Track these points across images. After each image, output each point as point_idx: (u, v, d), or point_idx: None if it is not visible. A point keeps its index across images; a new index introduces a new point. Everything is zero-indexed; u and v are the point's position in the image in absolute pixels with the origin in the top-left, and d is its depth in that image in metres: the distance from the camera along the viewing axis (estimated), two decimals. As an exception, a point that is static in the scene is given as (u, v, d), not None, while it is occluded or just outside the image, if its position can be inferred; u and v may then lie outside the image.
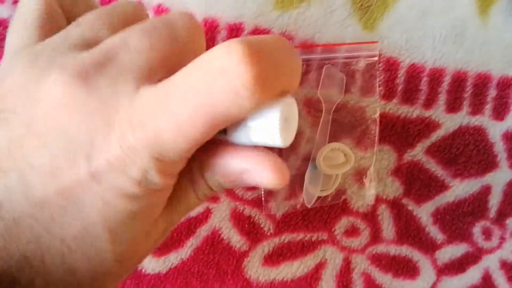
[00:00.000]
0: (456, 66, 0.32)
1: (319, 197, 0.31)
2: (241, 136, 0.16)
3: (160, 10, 0.30)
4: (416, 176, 0.33)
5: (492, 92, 0.33)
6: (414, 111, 0.32)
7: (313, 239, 0.33)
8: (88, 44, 0.16)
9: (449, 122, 0.33)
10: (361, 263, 0.33)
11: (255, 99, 0.14)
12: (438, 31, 0.32)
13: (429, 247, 0.34)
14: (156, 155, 0.14)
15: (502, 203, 0.34)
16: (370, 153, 0.31)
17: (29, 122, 0.14)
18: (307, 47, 0.30)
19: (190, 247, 0.32)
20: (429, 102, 0.32)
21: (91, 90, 0.14)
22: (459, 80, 0.32)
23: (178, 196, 0.18)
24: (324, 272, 0.33)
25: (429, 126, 0.33)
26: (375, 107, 0.31)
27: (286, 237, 0.33)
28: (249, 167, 0.16)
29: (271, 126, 0.15)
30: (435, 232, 0.34)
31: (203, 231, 0.32)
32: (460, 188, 0.34)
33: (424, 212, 0.33)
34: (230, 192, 0.32)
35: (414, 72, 0.32)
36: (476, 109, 0.33)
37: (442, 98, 0.32)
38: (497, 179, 0.34)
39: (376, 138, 0.31)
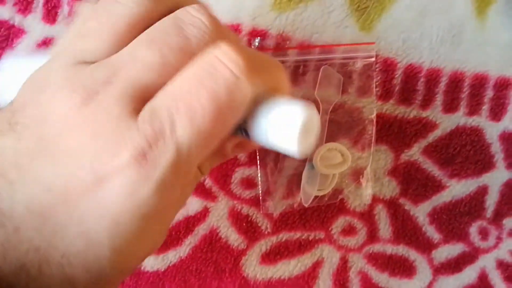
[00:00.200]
0: (453, 67, 0.32)
1: (316, 197, 0.32)
2: (261, 138, 0.17)
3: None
4: (413, 176, 0.33)
5: (489, 93, 0.33)
6: (411, 112, 0.33)
7: (310, 238, 0.33)
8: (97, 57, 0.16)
9: (446, 122, 0.33)
10: (358, 262, 0.34)
11: (252, 83, 0.15)
12: (435, 32, 0.32)
13: (425, 246, 0.34)
14: (176, 164, 0.14)
15: (499, 203, 0.34)
16: (367, 153, 0.32)
17: (39, 137, 0.14)
18: (305, 48, 0.31)
19: (189, 245, 0.32)
20: (426, 103, 0.33)
21: (99, 110, 0.14)
22: (456, 81, 0.33)
23: None
24: (321, 271, 0.33)
25: (426, 126, 0.33)
26: (372, 107, 0.31)
27: (284, 236, 0.33)
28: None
29: (290, 133, 0.16)
30: (431, 232, 0.34)
31: (201, 230, 0.32)
32: (457, 188, 0.34)
33: (420, 212, 0.34)
34: (228, 191, 0.32)
35: (411, 73, 0.32)
36: (473, 109, 0.33)
37: (439, 99, 0.33)
38: (493, 180, 0.34)
39: (373, 138, 0.31)
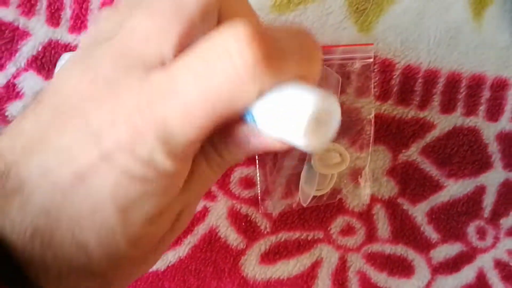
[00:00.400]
0: (451, 68, 0.33)
1: (314, 197, 0.32)
2: (267, 127, 0.15)
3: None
4: (411, 176, 0.34)
5: (486, 94, 0.33)
6: (409, 112, 0.33)
7: (309, 238, 0.33)
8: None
9: (443, 122, 0.33)
10: (356, 262, 0.34)
11: (260, 83, 0.13)
12: (433, 33, 0.32)
13: (424, 246, 0.34)
14: (163, 138, 0.14)
15: (496, 203, 0.34)
16: (365, 153, 0.32)
17: (54, 110, 0.15)
18: (303, 48, 0.31)
19: (188, 245, 0.32)
20: (424, 103, 0.33)
21: (103, 81, 0.15)
22: (453, 82, 0.33)
23: (191, 171, 0.17)
24: (320, 271, 0.34)
25: (423, 126, 0.33)
26: (370, 108, 0.31)
27: (283, 236, 0.33)
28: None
29: (296, 123, 0.14)
30: (430, 232, 0.34)
31: (200, 229, 0.32)
32: (455, 188, 0.34)
33: (419, 212, 0.34)
34: (227, 191, 0.32)
35: (409, 74, 0.32)
36: (471, 110, 0.33)
37: (436, 99, 0.33)
38: (491, 179, 0.34)
39: (371, 138, 0.32)
